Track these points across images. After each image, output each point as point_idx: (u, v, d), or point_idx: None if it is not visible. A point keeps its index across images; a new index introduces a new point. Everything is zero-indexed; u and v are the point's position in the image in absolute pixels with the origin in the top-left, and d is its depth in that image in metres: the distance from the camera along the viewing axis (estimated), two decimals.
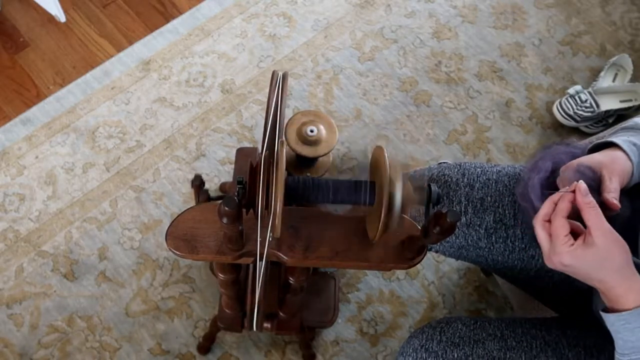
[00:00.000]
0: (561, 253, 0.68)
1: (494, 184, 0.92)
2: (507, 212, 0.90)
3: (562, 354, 0.81)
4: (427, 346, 0.84)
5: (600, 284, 0.69)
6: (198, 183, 0.91)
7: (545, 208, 0.72)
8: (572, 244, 0.68)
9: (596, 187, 0.73)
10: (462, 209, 0.90)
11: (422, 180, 0.96)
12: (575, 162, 0.77)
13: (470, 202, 0.90)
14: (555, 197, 0.72)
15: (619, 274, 0.67)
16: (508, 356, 0.81)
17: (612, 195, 0.73)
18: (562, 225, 0.69)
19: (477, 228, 0.90)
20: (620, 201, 0.73)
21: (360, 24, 1.70)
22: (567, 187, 0.71)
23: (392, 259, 0.77)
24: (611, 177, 0.74)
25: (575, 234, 0.70)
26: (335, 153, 1.51)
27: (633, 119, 0.86)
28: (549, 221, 0.71)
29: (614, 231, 0.68)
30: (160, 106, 1.55)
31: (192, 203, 1.40)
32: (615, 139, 0.78)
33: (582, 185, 0.69)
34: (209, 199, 1.14)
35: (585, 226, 0.69)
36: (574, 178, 0.73)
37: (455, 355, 0.82)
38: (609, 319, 0.70)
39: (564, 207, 0.70)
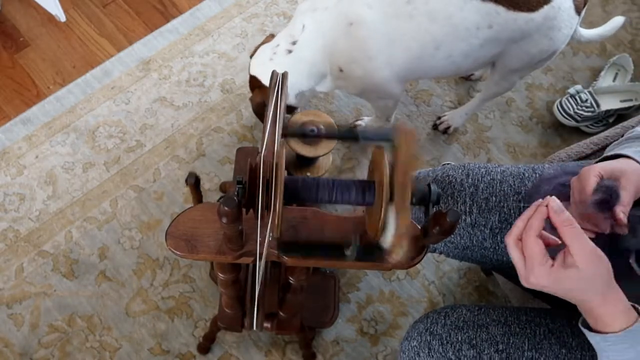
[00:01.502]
0: (539, 275, 0.64)
1: (498, 184, 0.92)
2: (512, 211, 0.89)
3: (565, 342, 0.81)
4: (431, 329, 0.84)
5: (582, 304, 0.66)
6: (193, 181, 0.90)
7: (518, 224, 0.67)
8: (551, 265, 0.64)
9: (615, 197, 0.70)
10: (467, 209, 0.90)
11: (426, 181, 0.96)
12: (597, 166, 0.74)
13: (475, 202, 0.90)
14: (528, 212, 0.67)
15: (602, 295, 0.64)
16: (511, 341, 0.82)
17: (622, 209, 0.69)
18: (535, 244, 0.64)
19: (482, 228, 0.90)
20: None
21: None
22: (540, 201, 0.66)
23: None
24: (627, 187, 0.71)
25: (553, 250, 0.65)
26: (335, 153, 1.51)
27: (636, 129, 0.85)
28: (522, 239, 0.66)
29: (596, 249, 0.64)
30: (161, 106, 1.55)
31: (193, 203, 1.40)
32: (625, 152, 0.77)
33: (554, 201, 0.65)
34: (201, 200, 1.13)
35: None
36: (594, 185, 0.70)
37: (459, 338, 0.82)
38: (594, 339, 0.67)
39: (536, 224, 0.65)
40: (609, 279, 0.65)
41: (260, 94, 1.22)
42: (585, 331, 0.68)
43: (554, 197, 0.66)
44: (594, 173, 0.73)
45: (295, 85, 1.20)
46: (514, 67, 1.24)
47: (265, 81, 1.20)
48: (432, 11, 1.08)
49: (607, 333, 0.64)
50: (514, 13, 1.08)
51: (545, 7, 1.09)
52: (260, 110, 1.24)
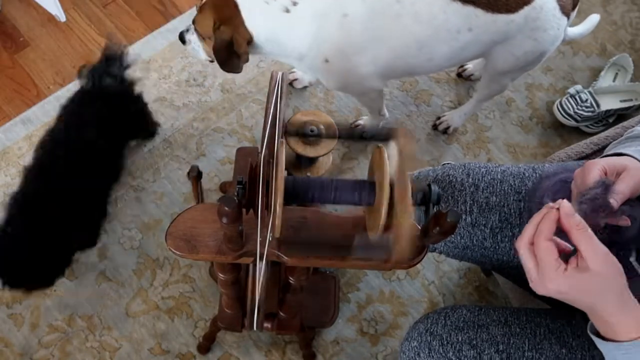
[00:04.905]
0: (554, 279, 0.62)
1: (498, 184, 0.92)
2: (512, 211, 0.90)
3: (565, 342, 0.81)
4: (431, 330, 0.84)
5: (595, 311, 0.64)
6: (195, 174, 0.90)
7: (528, 229, 0.64)
8: (565, 269, 0.62)
9: (610, 191, 0.69)
10: (467, 209, 0.90)
11: (426, 180, 0.96)
12: (601, 160, 0.74)
13: (476, 202, 0.90)
14: (538, 216, 0.64)
15: (617, 301, 0.62)
16: (512, 342, 0.82)
17: (615, 196, 0.68)
18: (547, 248, 0.62)
19: (483, 228, 0.90)
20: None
21: None
22: (550, 204, 0.64)
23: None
24: (626, 179, 0.70)
25: (565, 256, 0.63)
26: (335, 153, 1.51)
27: (636, 129, 0.85)
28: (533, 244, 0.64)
29: (609, 254, 0.62)
30: (161, 106, 1.55)
31: (193, 203, 1.40)
32: (626, 151, 0.77)
33: (565, 204, 0.63)
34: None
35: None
36: (596, 184, 0.69)
37: (459, 339, 0.82)
38: (605, 347, 0.65)
39: (547, 227, 0.62)
40: (624, 285, 0.63)
41: (230, 29, 1.06)
42: (596, 339, 0.66)
43: (565, 200, 0.64)
44: (597, 167, 0.73)
45: (274, 49, 1.13)
46: (501, 69, 1.23)
47: (246, 16, 1.07)
48: (418, 12, 1.06)
49: (621, 342, 0.63)
50: (492, 15, 1.07)
51: (526, 7, 1.07)
52: (223, 49, 1.09)
